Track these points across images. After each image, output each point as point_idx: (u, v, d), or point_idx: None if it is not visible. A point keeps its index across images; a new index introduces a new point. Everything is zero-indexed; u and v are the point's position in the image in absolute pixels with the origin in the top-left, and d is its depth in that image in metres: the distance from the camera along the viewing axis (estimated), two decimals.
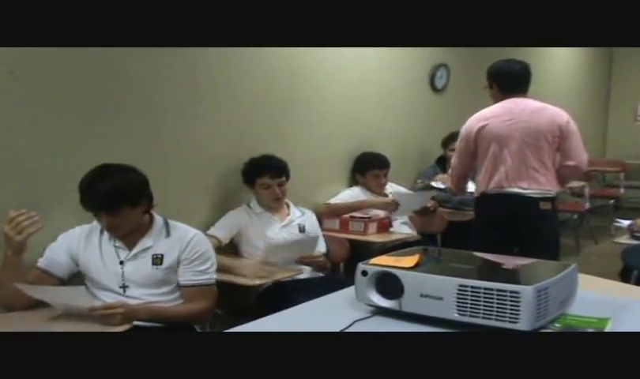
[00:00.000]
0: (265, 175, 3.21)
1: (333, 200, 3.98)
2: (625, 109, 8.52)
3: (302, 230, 3.27)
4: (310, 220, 3.38)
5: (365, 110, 4.36)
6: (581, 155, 3.29)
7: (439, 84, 5.03)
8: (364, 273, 1.63)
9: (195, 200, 3.22)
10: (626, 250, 3.33)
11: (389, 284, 1.58)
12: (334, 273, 3.35)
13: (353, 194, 4.05)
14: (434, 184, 4.26)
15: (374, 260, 1.66)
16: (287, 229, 3.23)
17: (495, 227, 3.26)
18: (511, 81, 3.33)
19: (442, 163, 4.70)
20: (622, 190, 7.59)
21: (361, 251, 3.41)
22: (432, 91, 5.02)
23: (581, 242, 6.21)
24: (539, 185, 3.23)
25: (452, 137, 4.64)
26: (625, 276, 3.31)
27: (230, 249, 3.19)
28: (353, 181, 4.19)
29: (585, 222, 6.60)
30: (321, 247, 3.27)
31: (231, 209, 3.26)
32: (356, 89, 4.27)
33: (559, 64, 7.15)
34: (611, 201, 7.45)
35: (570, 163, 3.28)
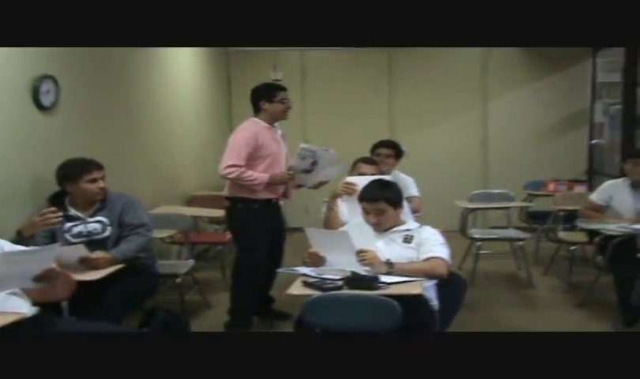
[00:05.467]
0: None
1: None
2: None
3: None
4: None
5: None
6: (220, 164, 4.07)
7: (46, 101, 3.90)
8: None
9: None
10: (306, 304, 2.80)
11: None
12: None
13: None
14: None
15: None
16: None
17: None
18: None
19: (60, 198, 3.59)
20: None
21: None
22: (38, 110, 3.85)
23: (228, 274, 5.17)
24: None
25: (66, 169, 3.58)
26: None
27: None
28: None
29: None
30: None
31: None
32: None
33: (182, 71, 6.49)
34: None
35: None
